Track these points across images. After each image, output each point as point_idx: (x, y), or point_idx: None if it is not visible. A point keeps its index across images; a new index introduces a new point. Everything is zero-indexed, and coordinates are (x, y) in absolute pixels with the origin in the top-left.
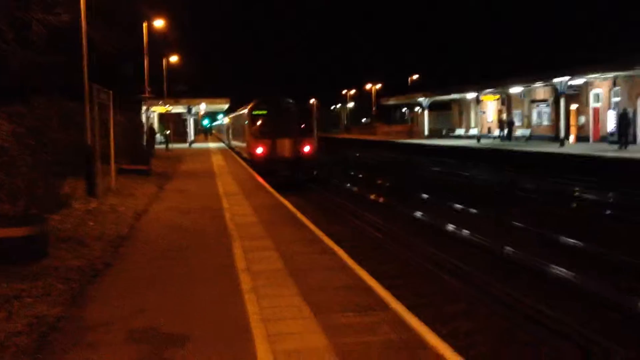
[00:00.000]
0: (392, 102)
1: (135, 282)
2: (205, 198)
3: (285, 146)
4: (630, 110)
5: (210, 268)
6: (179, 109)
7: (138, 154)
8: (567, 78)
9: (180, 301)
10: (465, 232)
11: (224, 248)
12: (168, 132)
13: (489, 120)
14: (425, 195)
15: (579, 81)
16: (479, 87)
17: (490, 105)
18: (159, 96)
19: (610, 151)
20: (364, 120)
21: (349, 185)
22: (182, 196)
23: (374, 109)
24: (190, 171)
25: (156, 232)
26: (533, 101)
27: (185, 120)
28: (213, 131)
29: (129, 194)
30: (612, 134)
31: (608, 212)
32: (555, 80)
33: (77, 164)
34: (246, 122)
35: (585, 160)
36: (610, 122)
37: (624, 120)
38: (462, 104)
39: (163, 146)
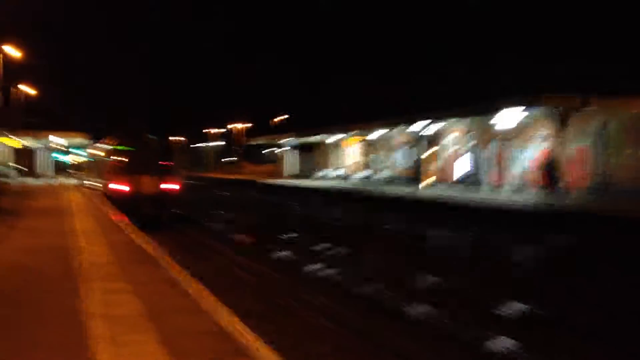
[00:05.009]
0: (259, 142)
1: None
2: (58, 237)
3: (147, 183)
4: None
5: (56, 313)
6: (29, 141)
7: None
8: (425, 123)
9: (18, 353)
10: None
11: (73, 290)
12: (18, 166)
13: (353, 161)
14: (290, 235)
15: (436, 126)
16: (344, 130)
17: (354, 148)
18: (8, 128)
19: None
20: (230, 159)
21: (214, 224)
22: (32, 235)
23: (239, 148)
24: (44, 208)
25: None
26: (393, 144)
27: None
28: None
29: None
30: (467, 176)
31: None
32: (414, 125)
33: None
34: (106, 158)
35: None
36: (464, 166)
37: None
38: (327, 146)
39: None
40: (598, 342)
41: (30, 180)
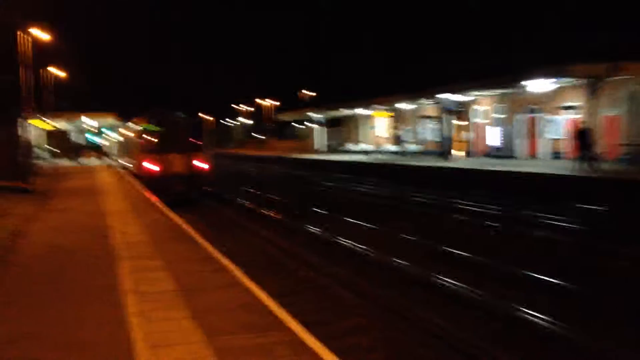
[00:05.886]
0: (286, 118)
1: (10, 308)
2: (91, 217)
3: (178, 162)
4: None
5: (94, 291)
6: (61, 123)
7: (17, 171)
8: (453, 95)
9: (60, 328)
10: (357, 245)
11: (109, 269)
12: (54, 149)
13: (380, 135)
14: (316, 210)
15: (463, 98)
16: (369, 104)
17: (381, 121)
18: (40, 111)
19: (489, 165)
20: (258, 136)
21: (243, 201)
22: (66, 215)
23: (268, 124)
24: (76, 189)
25: (35, 253)
26: (422, 117)
27: (69, 137)
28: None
29: (4, 213)
30: (497, 148)
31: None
32: (440, 97)
33: None
34: (137, 138)
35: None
36: (494, 137)
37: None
38: (354, 120)
39: (46, 162)
40: None
41: (62, 162)
